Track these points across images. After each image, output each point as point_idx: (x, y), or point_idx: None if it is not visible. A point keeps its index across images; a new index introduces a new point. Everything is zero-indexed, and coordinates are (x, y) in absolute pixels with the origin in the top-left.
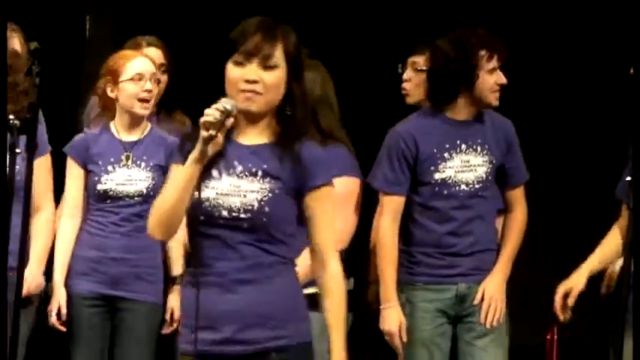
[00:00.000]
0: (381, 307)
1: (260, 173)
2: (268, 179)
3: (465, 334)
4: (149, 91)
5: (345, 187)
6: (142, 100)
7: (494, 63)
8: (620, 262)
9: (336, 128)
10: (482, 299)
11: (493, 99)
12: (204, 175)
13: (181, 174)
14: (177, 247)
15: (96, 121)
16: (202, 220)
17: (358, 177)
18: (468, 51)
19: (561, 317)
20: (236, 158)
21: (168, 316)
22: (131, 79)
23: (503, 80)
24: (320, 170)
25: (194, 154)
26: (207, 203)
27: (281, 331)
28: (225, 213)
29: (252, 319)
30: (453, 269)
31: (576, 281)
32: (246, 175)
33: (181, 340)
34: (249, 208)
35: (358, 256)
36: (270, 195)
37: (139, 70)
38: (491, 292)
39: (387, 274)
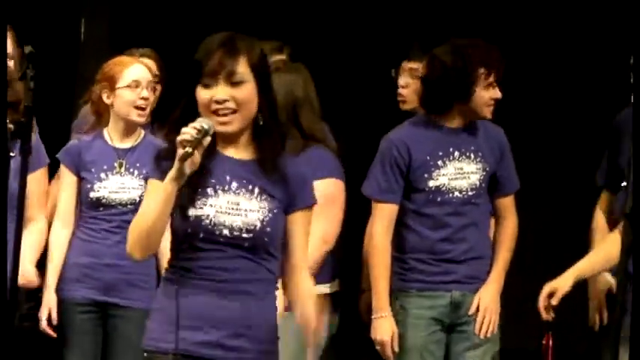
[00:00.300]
0: (373, 316)
1: (257, 190)
2: (265, 197)
3: (457, 346)
4: (146, 98)
5: (328, 188)
6: (138, 108)
7: (491, 79)
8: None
9: (318, 130)
10: (477, 309)
11: (487, 113)
12: (198, 191)
13: (159, 191)
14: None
15: (90, 131)
16: (202, 237)
17: (341, 179)
18: (466, 64)
19: (544, 316)
20: (227, 173)
21: None
22: (128, 86)
23: (499, 95)
24: (307, 190)
25: (172, 173)
26: (207, 221)
27: (268, 345)
28: (226, 232)
29: (242, 329)
30: (447, 276)
31: (562, 283)
32: (243, 192)
33: (153, 338)
34: (252, 228)
35: (349, 262)
36: (270, 215)
37: (136, 77)
38: (487, 303)
39: (380, 283)
